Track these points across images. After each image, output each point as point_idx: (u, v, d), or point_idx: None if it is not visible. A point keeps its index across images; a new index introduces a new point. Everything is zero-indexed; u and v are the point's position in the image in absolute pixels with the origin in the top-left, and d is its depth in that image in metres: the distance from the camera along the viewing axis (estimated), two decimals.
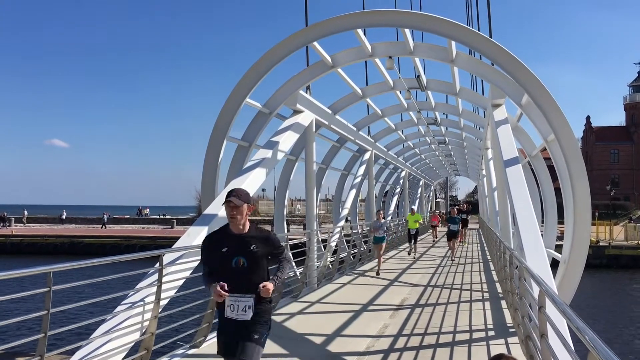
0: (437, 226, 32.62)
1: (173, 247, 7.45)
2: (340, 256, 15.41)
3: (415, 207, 26.33)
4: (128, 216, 73.35)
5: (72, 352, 5.43)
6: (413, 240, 21.73)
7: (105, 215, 61.94)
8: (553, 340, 4.40)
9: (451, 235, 20.25)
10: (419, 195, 43.83)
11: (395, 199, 33.23)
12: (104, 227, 58.27)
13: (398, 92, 17.12)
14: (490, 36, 12.16)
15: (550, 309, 4.43)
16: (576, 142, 10.31)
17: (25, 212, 64.32)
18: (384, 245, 16.29)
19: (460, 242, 24.90)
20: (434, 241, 30.05)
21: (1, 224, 58.31)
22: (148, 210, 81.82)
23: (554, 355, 4.31)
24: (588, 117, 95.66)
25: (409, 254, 21.35)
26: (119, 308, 6.08)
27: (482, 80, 18.96)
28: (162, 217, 71.56)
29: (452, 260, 18.95)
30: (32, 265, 4.90)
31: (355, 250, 17.84)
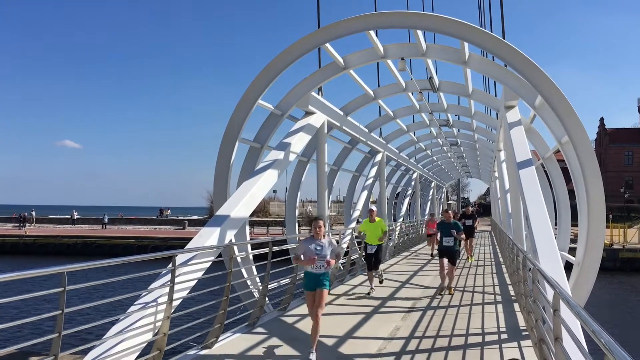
0: (435, 235, 23.85)
1: (186, 247, 7.48)
2: (352, 258, 15.38)
3: (375, 208, 13.26)
4: (155, 217, 73.54)
5: (85, 352, 5.47)
6: (373, 266, 12.53)
7: (105, 216, 62.38)
8: (568, 344, 4.36)
9: (444, 255, 12.10)
10: (430, 197, 43.68)
11: (406, 200, 33.16)
12: (104, 227, 58.66)
13: (410, 94, 17.08)
14: (503, 37, 12.09)
15: (565, 312, 4.40)
16: (590, 144, 10.23)
17: (34, 213, 64.91)
18: (324, 294, 7.31)
19: (467, 257, 19.90)
20: (431, 256, 21.42)
21: (21, 224, 58.96)
22: (169, 211, 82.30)
23: (568, 359, 4.27)
24: (602, 119, 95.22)
25: (368, 293, 12.12)
26: (132, 308, 6.11)
27: (494, 82, 18.94)
28: (186, 218, 71.74)
29: (451, 294, 11.82)
30: (46, 265, 4.93)
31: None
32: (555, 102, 9.85)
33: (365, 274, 13.27)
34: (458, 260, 13.33)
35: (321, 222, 7.65)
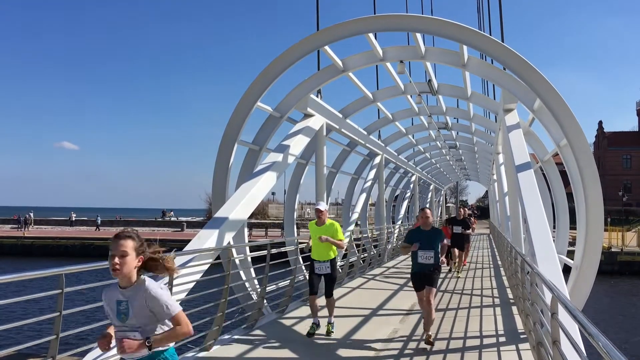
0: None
1: (184, 249, 7.47)
2: (350, 260, 15.36)
3: (324, 206, 8.76)
4: (157, 219, 73.07)
5: (83, 354, 5.45)
6: (325, 293, 8.81)
7: (98, 218, 62.17)
8: (565, 347, 4.36)
9: (422, 281, 8.06)
10: (429, 199, 43.71)
11: (405, 203, 33.16)
12: (97, 229, 58.38)
13: (409, 97, 17.08)
14: (502, 40, 12.12)
15: (563, 315, 4.40)
16: (589, 147, 10.24)
17: (32, 214, 64.78)
18: None
19: (453, 268, 16.56)
20: None
21: (22, 226, 58.70)
22: (172, 213, 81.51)
23: None
24: (600, 122, 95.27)
25: (309, 333, 8.33)
26: None
27: (493, 85, 18.95)
28: (190, 220, 71.18)
29: (430, 343, 7.66)
30: (44, 267, 4.93)
31: (365, 255, 17.81)
32: (553, 105, 9.86)
33: (364, 277, 12.30)
34: (440, 280, 8.00)
35: (125, 245, 3.35)
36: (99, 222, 60.94)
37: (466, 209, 17.27)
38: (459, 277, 15.63)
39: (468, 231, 16.69)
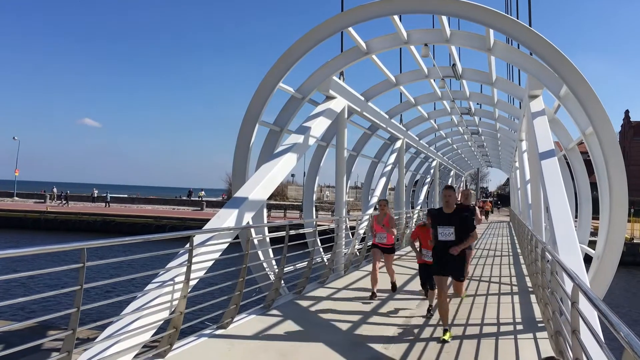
0: (393, 247, 11.04)
1: (204, 228, 7.52)
2: (368, 244, 15.35)
3: None
4: (187, 198, 72.89)
5: (103, 327, 5.55)
6: None
7: (108, 195, 62.27)
8: (585, 336, 4.32)
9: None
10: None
11: (425, 188, 33.00)
12: (107, 205, 58.48)
13: (432, 81, 16.92)
14: (530, 25, 11.88)
15: (584, 304, 4.35)
16: (615, 136, 10.05)
17: (55, 190, 65.66)
18: None
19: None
20: (371, 296, 10.04)
21: (63, 202, 59.74)
22: (203, 192, 77.72)
23: (585, 352, 4.23)
24: (627, 112, 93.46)
25: None
26: (150, 286, 6.18)
27: (519, 70, 18.64)
28: (222, 198, 70.08)
29: None
30: (67, 241, 4.99)
31: None
32: (580, 93, 9.68)
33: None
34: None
35: None
36: (109, 198, 61.07)
37: (452, 190, 7.73)
38: (445, 339, 7.13)
39: (467, 239, 7.30)
